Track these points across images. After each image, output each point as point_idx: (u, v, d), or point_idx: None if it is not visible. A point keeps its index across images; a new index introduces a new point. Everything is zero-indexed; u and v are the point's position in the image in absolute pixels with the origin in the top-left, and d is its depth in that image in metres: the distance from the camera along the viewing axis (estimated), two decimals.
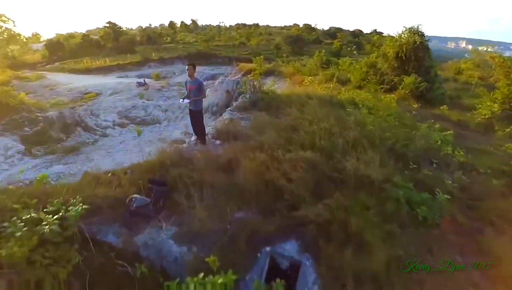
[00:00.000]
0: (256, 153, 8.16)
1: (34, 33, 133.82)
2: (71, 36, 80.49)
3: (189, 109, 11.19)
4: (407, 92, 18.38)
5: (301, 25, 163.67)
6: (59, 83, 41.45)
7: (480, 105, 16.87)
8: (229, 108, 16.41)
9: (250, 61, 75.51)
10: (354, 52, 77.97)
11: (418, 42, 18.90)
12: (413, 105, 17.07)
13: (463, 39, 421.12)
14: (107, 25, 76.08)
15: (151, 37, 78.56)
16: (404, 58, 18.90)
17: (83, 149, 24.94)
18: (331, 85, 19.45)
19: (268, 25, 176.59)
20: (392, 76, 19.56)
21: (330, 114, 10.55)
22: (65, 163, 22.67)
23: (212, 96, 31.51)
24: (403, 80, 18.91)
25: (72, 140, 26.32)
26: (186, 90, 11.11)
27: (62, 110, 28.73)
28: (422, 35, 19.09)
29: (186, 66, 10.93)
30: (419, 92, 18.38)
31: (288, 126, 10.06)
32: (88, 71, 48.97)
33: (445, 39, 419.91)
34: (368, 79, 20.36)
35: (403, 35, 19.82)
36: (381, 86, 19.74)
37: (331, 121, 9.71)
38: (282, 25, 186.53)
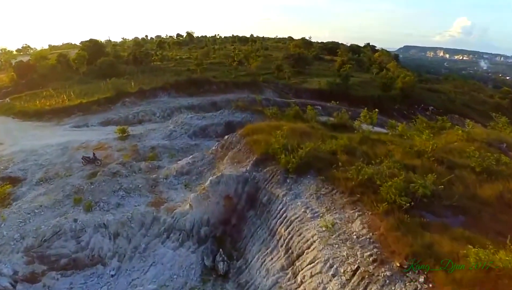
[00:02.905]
0: None
1: (23, 45, 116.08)
2: (43, 57, 63.55)
3: None
4: None
5: (294, 37, 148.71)
6: None
7: None
8: None
9: (250, 87, 60.85)
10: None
11: None
12: None
13: (440, 48, 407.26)
14: (88, 43, 59.83)
15: (137, 57, 62.19)
16: None
17: None
18: None
19: (263, 37, 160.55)
20: None
21: None
22: None
23: (199, 207, 16.21)
24: None
25: None
26: None
27: None
28: None
29: None
30: None
31: None
32: (39, 115, 33.07)
33: (424, 49, 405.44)
34: None
35: None
36: None
37: None
38: (275, 36, 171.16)
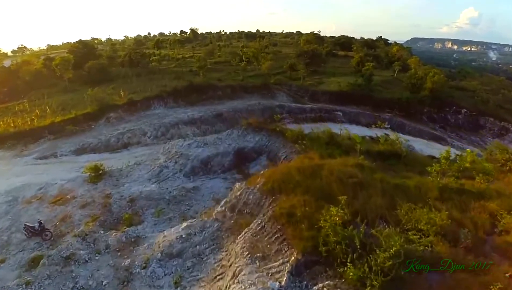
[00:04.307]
0: None
1: (19, 46, 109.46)
2: (26, 61, 56.51)
3: None
4: None
5: (302, 32, 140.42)
6: None
7: None
8: None
9: (260, 90, 52.96)
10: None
11: None
12: None
13: (448, 40, 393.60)
14: (77, 44, 52.62)
15: (132, 58, 54.92)
16: None
17: None
18: None
19: (269, 32, 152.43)
20: None
21: None
22: None
23: None
24: None
25: None
26: None
27: None
28: None
29: None
30: None
31: None
32: (0, 139, 26.03)
33: (432, 41, 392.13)
34: None
35: None
36: None
37: None
38: (281, 31, 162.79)
